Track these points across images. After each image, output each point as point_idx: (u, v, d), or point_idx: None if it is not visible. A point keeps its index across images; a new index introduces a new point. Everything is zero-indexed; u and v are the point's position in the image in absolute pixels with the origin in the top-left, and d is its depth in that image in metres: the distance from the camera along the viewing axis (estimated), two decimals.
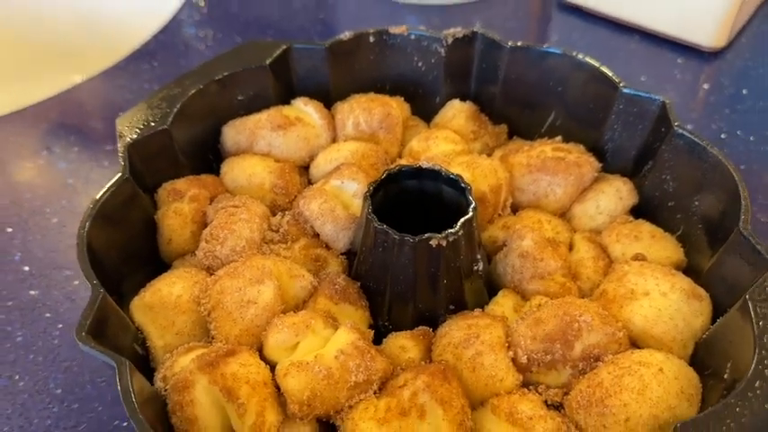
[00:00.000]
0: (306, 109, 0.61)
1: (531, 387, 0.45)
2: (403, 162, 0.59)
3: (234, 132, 0.59)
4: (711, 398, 0.43)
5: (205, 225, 0.53)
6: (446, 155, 0.58)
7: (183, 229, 0.53)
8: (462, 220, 0.47)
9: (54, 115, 0.78)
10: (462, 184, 0.49)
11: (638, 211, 0.57)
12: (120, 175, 0.50)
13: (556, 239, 0.53)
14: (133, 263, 0.51)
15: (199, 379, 0.41)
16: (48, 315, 0.59)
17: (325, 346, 0.45)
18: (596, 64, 0.58)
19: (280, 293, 0.47)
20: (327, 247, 0.53)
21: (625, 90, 0.57)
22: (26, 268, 0.63)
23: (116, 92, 0.81)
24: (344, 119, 0.61)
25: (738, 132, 0.74)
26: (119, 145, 0.52)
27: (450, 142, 0.60)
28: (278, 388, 0.43)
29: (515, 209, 0.58)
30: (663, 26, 0.85)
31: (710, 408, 0.38)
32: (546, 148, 0.58)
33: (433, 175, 0.51)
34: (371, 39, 0.63)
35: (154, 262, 0.54)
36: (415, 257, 0.47)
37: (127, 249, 0.51)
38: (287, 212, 0.55)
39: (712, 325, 0.47)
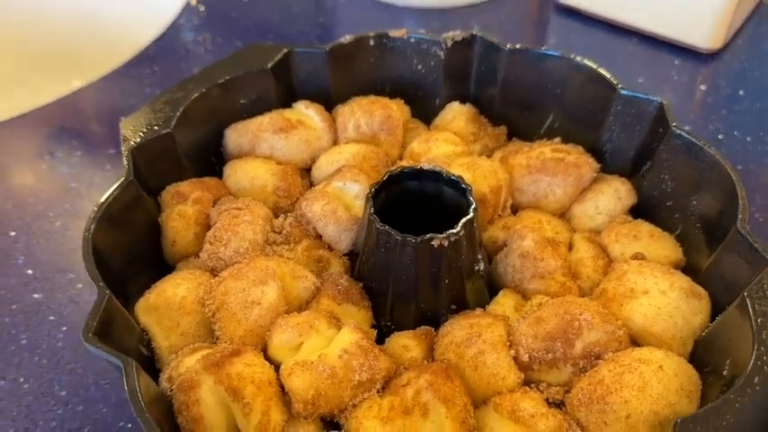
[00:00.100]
0: (307, 112, 0.61)
1: (532, 385, 0.46)
2: (404, 164, 0.60)
3: (236, 135, 0.60)
4: (711, 394, 0.43)
5: (208, 227, 0.54)
6: (446, 156, 0.59)
7: (187, 231, 0.53)
8: (463, 220, 0.47)
9: (56, 120, 0.78)
10: (463, 185, 0.50)
11: (636, 211, 0.58)
12: (124, 178, 0.50)
13: (556, 239, 0.54)
14: (137, 265, 0.52)
15: (204, 379, 0.42)
16: (52, 318, 0.59)
17: (329, 345, 0.45)
18: (594, 66, 0.59)
19: (283, 294, 0.48)
20: (330, 248, 0.54)
21: (623, 91, 0.57)
22: (30, 272, 0.63)
23: (118, 96, 0.81)
24: (346, 121, 0.61)
25: (735, 133, 0.75)
26: (123, 148, 0.52)
27: (450, 144, 0.61)
28: (282, 387, 0.44)
29: (515, 209, 0.59)
30: (660, 28, 0.85)
31: (710, 404, 0.39)
32: (545, 150, 0.58)
33: (434, 176, 0.52)
34: (371, 42, 0.64)
35: (158, 264, 0.54)
36: (417, 258, 0.47)
37: (131, 251, 0.51)
38: (289, 214, 0.55)
39: (711, 323, 0.48)
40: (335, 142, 0.62)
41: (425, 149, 0.60)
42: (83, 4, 1.06)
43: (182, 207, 0.54)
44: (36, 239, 0.66)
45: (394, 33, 0.63)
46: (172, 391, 0.43)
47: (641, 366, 0.43)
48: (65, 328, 0.59)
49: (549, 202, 0.57)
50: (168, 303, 0.48)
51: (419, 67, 0.65)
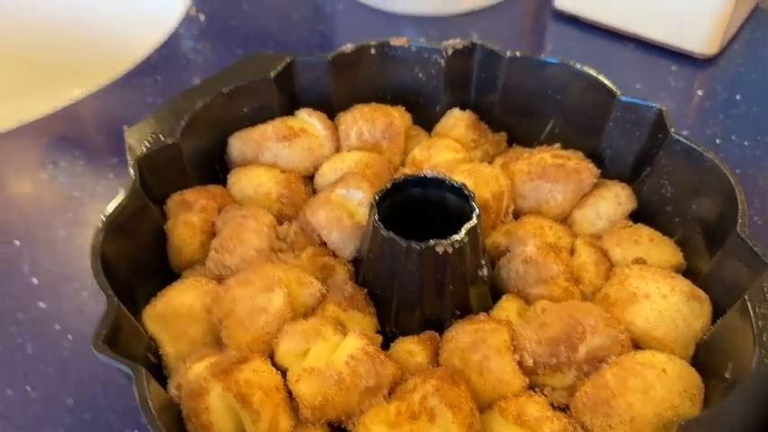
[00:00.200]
0: (310, 120, 0.62)
1: (537, 389, 0.47)
2: (406, 171, 0.61)
3: (240, 144, 0.60)
4: (713, 397, 0.44)
5: (214, 235, 0.54)
6: (448, 163, 0.60)
7: (193, 239, 0.54)
8: (468, 227, 0.48)
9: (58, 129, 0.79)
10: (466, 192, 0.51)
11: (636, 216, 0.58)
12: (131, 187, 0.51)
13: (558, 245, 0.55)
14: (143, 273, 0.52)
15: (213, 386, 0.42)
16: (57, 327, 0.60)
17: (336, 352, 0.46)
18: (594, 73, 0.60)
19: (289, 301, 0.48)
20: (334, 254, 0.54)
21: (622, 98, 0.58)
22: (35, 280, 0.63)
23: (120, 106, 0.82)
24: (348, 129, 0.62)
25: (733, 137, 0.76)
26: (128, 157, 0.53)
27: (451, 150, 0.61)
28: (290, 393, 0.44)
29: (517, 215, 0.59)
30: (656, 34, 0.86)
31: (713, 406, 0.39)
32: (546, 156, 0.59)
33: (438, 183, 0.52)
34: (373, 51, 0.64)
35: (163, 272, 0.55)
36: (422, 264, 0.48)
37: (137, 260, 0.52)
38: (293, 221, 0.56)
39: (712, 326, 0.48)
40: (338, 150, 0.62)
41: (427, 156, 0.61)
42: (82, 14, 1.06)
43: (187, 215, 0.54)
44: (40, 248, 0.66)
45: (395, 42, 0.64)
46: (180, 398, 0.43)
47: (645, 370, 0.44)
48: (71, 337, 0.59)
49: (551, 207, 0.58)
50: (176, 311, 0.48)
51: (420, 74, 0.66)
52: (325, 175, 0.60)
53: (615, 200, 0.57)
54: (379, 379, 0.44)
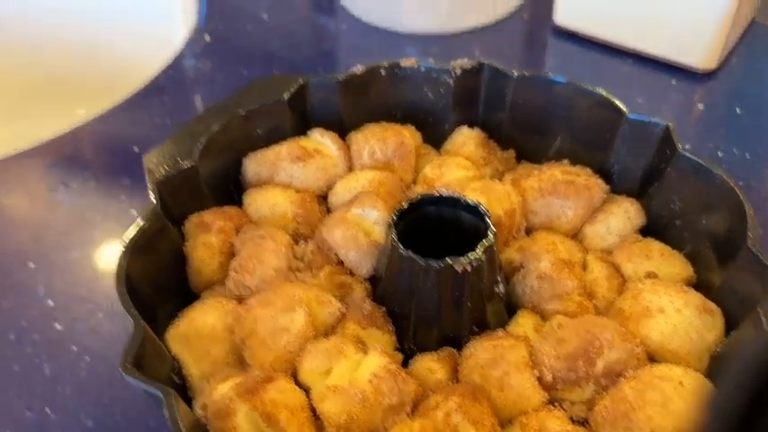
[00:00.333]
0: (323, 140, 0.63)
1: (556, 404, 0.47)
2: (418, 189, 0.61)
3: (255, 165, 0.61)
4: None
5: (232, 256, 0.55)
6: (460, 181, 0.60)
7: (212, 260, 0.54)
8: (485, 245, 0.49)
9: (69, 151, 0.79)
10: (481, 211, 0.52)
11: (646, 230, 0.59)
12: (152, 209, 0.51)
13: (570, 260, 0.55)
14: (163, 294, 0.53)
15: (240, 406, 0.43)
16: (74, 348, 0.60)
17: (358, 369, 0.46)
18: (602, 92, 0.61)
19: (310, 320, 0.49)
20: (351, 273, 0.55)
21: (630, 115, 0.59)
22: (50, 302, 0.64)
23: (128, 127, 0.82)
24: (360, 149, 0.63)
25: (734, 150, 0.77)
26: (148, 182, 0.54)
27: (462, 168, 0.62)
28: (314, 412, 0.45)
29: (528, 230, 0.60)
30: (656, 49, 0.88)
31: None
32: (556, 172, 0.60)
33: (453, 202, 0.53)
34: (383, 72, 0.66)
35: (183, 292, 0.55)
36: (441, 282, 0.49)
37: (157, 281, 0.52)
38: (310, 241, 0.57)
39: (726, 338, 0.49)
40: (350, 169, 0.63)
41: (439, 174, 0.62)
42: (85, 34, 1.07)
43: (206, 236, 0.55)
44: (55, 270, 0.67)
45: (405, 63, 0.65)
46: (207, 418, 0.44)
47: (662, 383, 0.44)
48: (88, 358, 0.59)
49: (562, 223, 0.59)
50: (198, 332, 0.49)
51: (429, 94, 0.67)
52: (339, 194, 0.60)
53: (625, 215, 0.58)
54: (401, 396, 0.45)
